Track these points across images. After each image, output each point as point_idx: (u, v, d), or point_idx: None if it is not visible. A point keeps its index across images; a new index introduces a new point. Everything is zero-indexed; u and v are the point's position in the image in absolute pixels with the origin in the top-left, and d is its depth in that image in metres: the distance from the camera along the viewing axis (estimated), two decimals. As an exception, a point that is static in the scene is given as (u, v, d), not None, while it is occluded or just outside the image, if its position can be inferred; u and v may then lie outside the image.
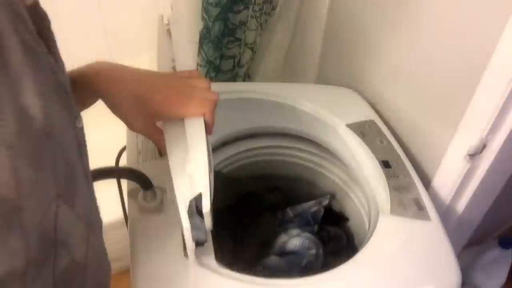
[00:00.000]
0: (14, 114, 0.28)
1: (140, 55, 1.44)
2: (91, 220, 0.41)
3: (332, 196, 0.92)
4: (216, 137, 0.83)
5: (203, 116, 0.52)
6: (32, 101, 0.30)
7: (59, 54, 0.37)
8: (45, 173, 0.32)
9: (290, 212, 0.90)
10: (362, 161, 0.81)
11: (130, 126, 0.53)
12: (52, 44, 0.35)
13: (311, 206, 0.89)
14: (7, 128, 0.28)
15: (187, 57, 0.60)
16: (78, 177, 0.37)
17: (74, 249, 0.38)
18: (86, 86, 0.50)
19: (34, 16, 0.32)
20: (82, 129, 0.41)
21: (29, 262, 0.32)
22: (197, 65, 1.05)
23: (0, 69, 0.27)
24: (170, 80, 0.55)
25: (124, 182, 0.74)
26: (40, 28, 0.33)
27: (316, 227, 0.87)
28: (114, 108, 0.52)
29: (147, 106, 0.51)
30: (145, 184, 0.65)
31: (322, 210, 0.88)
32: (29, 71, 0.30)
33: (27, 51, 0.30)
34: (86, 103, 0.54)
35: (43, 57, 0.33)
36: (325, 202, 0.89)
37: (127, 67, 0.54)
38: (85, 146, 0.42)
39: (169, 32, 0.68)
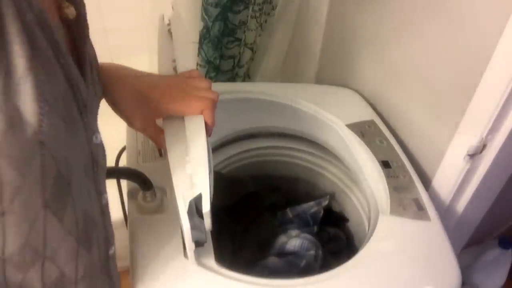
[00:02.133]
0: (3, 113, 0.28)
1: (140, 55, 1.44)
2: (86, 237, 0.39)
3: (332, 197, 0.92)
4: (216, 137, 0.82)
5: (202, 114, 0.52)
6: (29, 107, 0.29)
7: (76, 73, 0.35)
8: (30, 180, 0.31)
9: (289, 213, 0.90)
10: (362, 161, 0.81)
11: (130, 123, 0.53)
12: (63, 55, 0.34)
13: (310, 207, 0.89)
14: None
15: (188, 58, 0.60)
16: (74, 191, 0.36)
17: (64, 265, 0.37)
18: None
19: (44, 25, 0.31)
20: (99, 145, 0.40)
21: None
22: (197, 65, 1.05)
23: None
24: (169, 79, 0.55)
25: (124, 182, 0.74)
26: (49, 37, 0.32)
27: (315, 228, 0.87)
28: (115, 104, 0.52)
29: (146, 103, 0.51)
30: (145, 184, 0.65)
31: (322, 211, 0.88)
32: (32, 76, 0.29)
33: (35, 56, 0.29)
34: None
35: (56, 66, 0.32)
36: (325, 202, 0.89)
37: (127, 67, 0.55)
38: (101, 163, 0.41)
39: (169, 32, 0.68)
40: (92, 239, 0.41)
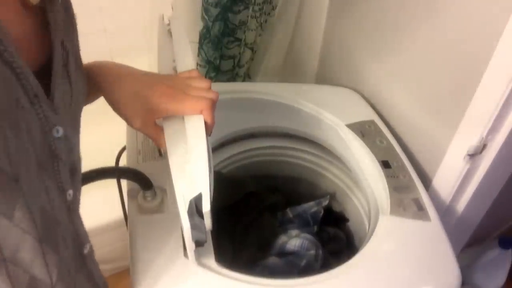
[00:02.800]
0: None
1: (140, 56, 1.44)
2: (50, 236, 0.37)
3: (332, 197, 0.92)
4: (216, 137, 0.83)
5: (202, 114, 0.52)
6: None
7: (21, 62, 0.33)
8: None
9: (289, 213, 0.90)
10: (362, 161, 0.81)
11: (130, 122, 0.53)
12: (1, 42, 0.32)
13: (311, 207, 0.89)
14: None
15: (188, 58, 0.60)
16: (25, 188, 0.33)
17: (32, 267, 0.36)
18: (90, 82, 0.51)
19: None
20: (63, 139, 0.38)
21: None
22: (197, 65, 1.05)
23: None
24: (169, 79, 0.55)
25: (124, 182, 0.74)
26: None
27: (315, 228, 0.87)
28: (114, 104, 0.52)
29: (145, 102, 0.51)
30: (145, 184, 0.65)
31: (322, 211, 0.88)
32: None
33: None
34: (89, 99, 0.54)
35: None
36: (325, 202, 0.89)
37: (127, 66, 0.55)
38: (65, 158, 0.39)
39: (169, 32, 0.68)
40: (57, 238, 0.39)
